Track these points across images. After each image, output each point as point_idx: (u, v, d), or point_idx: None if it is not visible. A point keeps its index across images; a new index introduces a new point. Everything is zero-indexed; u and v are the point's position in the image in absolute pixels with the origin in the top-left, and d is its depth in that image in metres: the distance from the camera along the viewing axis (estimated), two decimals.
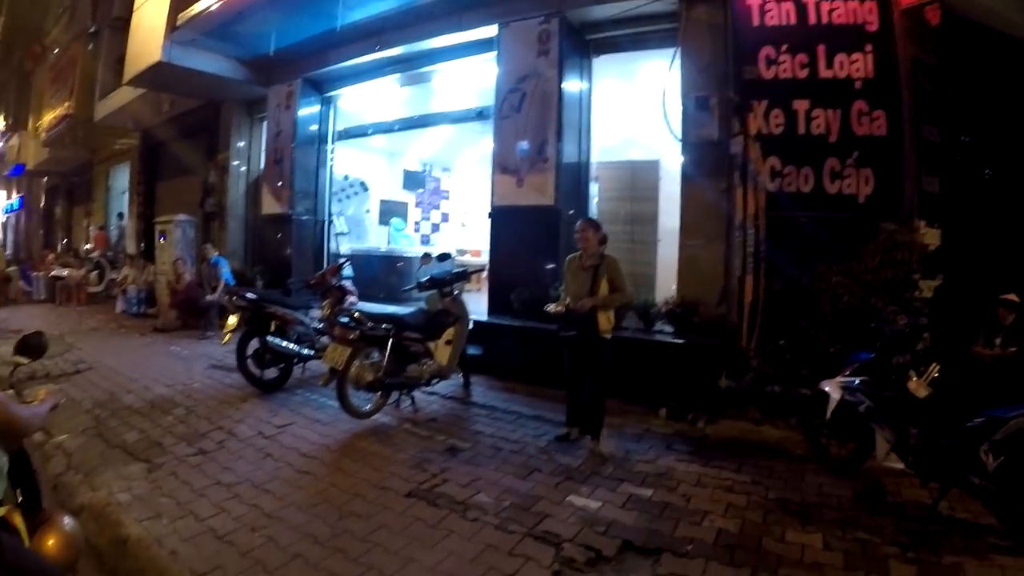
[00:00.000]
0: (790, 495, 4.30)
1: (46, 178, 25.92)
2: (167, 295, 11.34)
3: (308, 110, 11.32)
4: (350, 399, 5.70)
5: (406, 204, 15.17)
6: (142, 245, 15.90)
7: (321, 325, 7.47)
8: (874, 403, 4.31)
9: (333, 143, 11.66)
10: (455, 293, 6.62)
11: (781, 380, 5.83)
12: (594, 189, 8.48)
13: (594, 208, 8.29)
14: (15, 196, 30.06)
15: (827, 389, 4.67)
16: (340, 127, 11.73)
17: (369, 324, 5.71)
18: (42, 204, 27.60)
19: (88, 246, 19.00)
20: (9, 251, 25.45)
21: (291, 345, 7.01)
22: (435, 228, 16.16)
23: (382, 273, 11.49)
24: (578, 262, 5.42)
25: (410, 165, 15.13)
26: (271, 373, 6.95)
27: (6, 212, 30.77)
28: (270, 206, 11.55)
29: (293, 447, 5.22)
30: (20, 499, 2.70)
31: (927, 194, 6.16)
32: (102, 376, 7.94)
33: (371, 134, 11.51)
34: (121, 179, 19.29)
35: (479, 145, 11.65)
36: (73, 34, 18.71)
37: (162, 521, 3.98)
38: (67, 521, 2.74)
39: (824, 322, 5.78)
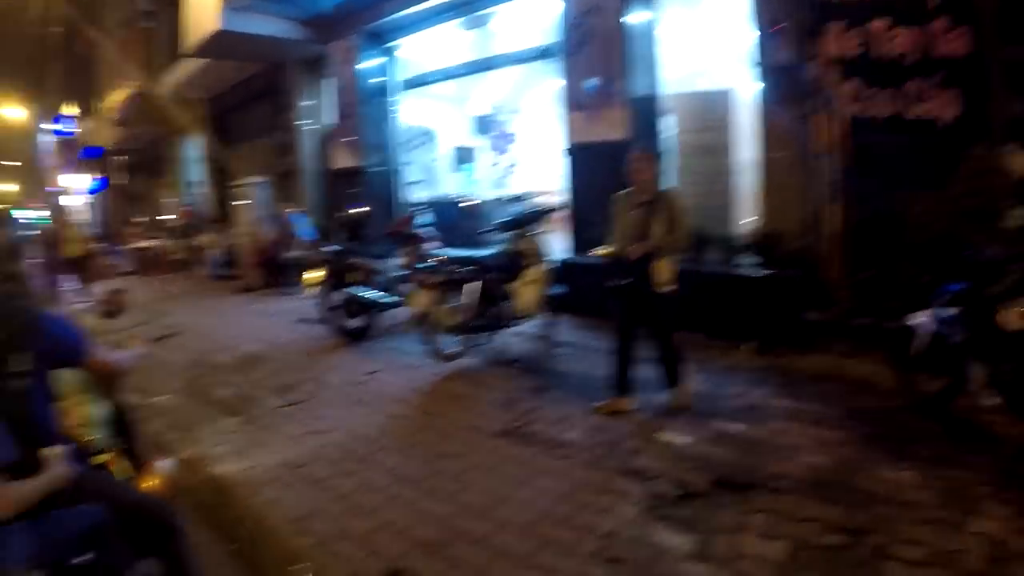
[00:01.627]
0: (881, 431, 4.19)
1: (123, 157, 26.86)
2: (249, 256, 11.77)
3: (371, 63, 11.31)
4: (436, 343, 5.83)
5: (477, 149, 15.12)
6: (220, 210, 16.40)
7: (402, 273, 7.62)
8: (967, 336, 4.08)
9: (398, 93, 11.64)
10: (534, 233, 6.56)
11: (869, 313, 5.62)
12: (666, 122, 8.28)
13: (667, 141, 8.09)
14: (96, 177, 31.28)
15: (917, 322, 4.45)
16: (404, 77, 11.66)
17: (451, 268, 5.80)
18: (122, 181, 28.66)
19: (172, 217, 19.61)
20: (96, 229, 26.62)
21: (374, 294, 7.18)
22: (506, 171, 16.09)
23: (457, 218, 11.52)
24: (629, 200, 4.78)
25: (478, 110, 15.02)
26: (356, 323, 7.18)
27: (89, 193, 32.06)
28: (342, 160, 11.70)
29: (383, 393, 5.42)
30: (122, 447, 2.95)
31: (1018, 117, 5.79)
32: (194, 338, 8.33)
33: (435, 81, 11.43)
34: (194, 149, 19.80)
35: (546, 85, 11.47)
36: (131, 14, 19.16)
37: (259, 470, 4.19)
38: (165, 463, 2.97)
39: (913, 252, 5.53)
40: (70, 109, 29.71)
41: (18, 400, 2.16)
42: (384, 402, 5.23)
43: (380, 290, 7.31)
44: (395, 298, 7.33)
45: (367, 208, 10.44)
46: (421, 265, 5.89)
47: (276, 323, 8.58)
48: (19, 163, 37.91)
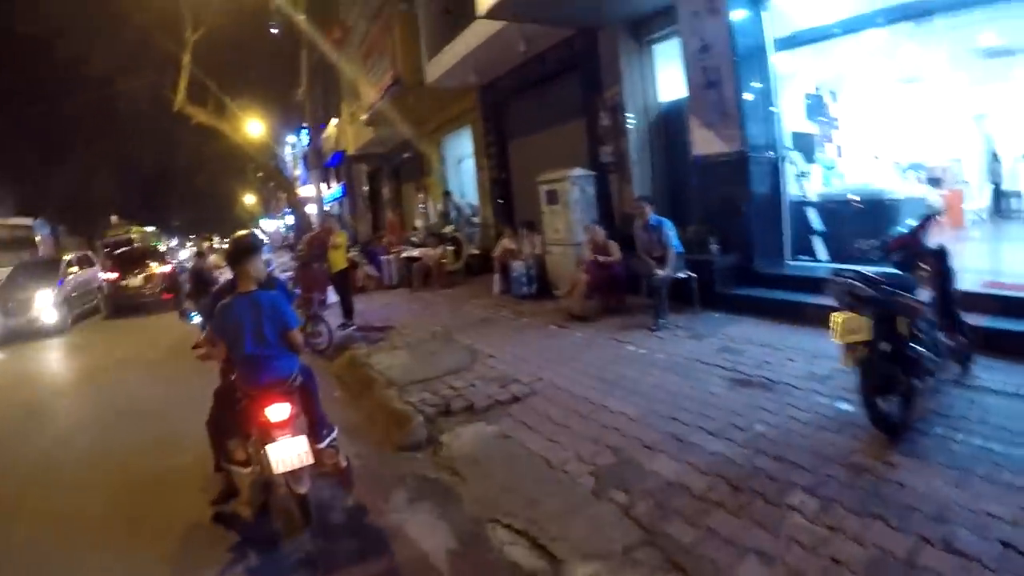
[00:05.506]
0: None
1: (364, 164, 26.04)
2: (581, 272, 8.74)
3: (741, 12, 8.27)
4: None
5: (814, 136, 11.72)
6: (501, 213, 14.34)
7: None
8: None
9: (774, 54, 8.49)
10: None
11: None
12: None
13: None
14: (336, 185, 30.65)
15: None
16: (783, 32, 8.52)
17: None
18: (365, 188, 27.75)
19: (434, 223, 17.63)
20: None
21: (930, 355, 4.14)
22: (828, 167, 12.62)
23: (862, 224, 8.18)
24: None
25: (807, 88, 11.62)
26: (891, 402, 4.11)
27: (328, 203, 31.21)
28: (706, 145, 8.55)
29: None
30: None
31: None
32: (558, 405, 5.37)
33: (839, 35, 8.13)
34: (457, 147, 17.81)
35: (886, 58, 8.87)
36: (378, 2, 17.48)
37: None
38: None
39: None
40: (314, 118, 29.41)
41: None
42: None
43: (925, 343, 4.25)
44: (937, 358, 4.35)
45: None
46: None
47: (699, 384, 5.39)
48: (260, 175, 39.43)
